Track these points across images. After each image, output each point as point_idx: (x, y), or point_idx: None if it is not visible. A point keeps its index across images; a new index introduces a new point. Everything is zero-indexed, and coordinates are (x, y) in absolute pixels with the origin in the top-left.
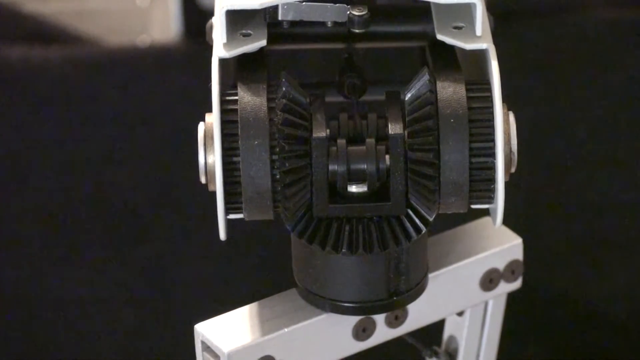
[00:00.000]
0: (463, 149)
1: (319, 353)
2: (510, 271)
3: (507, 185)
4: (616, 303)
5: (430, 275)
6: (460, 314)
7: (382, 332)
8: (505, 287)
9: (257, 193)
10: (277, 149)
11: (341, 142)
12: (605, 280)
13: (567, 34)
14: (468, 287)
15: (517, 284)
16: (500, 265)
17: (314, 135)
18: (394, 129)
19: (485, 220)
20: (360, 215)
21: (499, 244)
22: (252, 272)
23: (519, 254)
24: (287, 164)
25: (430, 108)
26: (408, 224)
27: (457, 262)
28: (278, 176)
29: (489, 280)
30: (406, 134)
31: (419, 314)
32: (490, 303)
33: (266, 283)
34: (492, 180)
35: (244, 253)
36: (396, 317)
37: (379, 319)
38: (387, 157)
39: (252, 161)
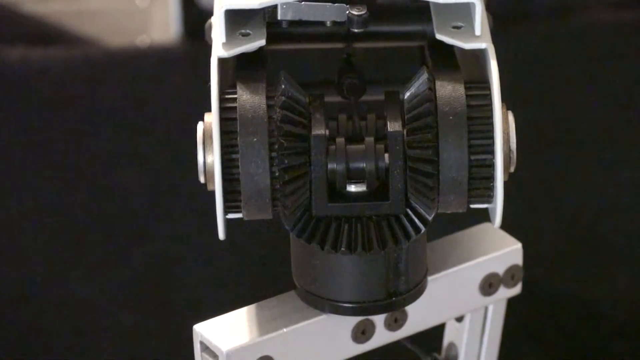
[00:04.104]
0: (462, 145)
1: (318, 354)
2: (510, 276)
3: (506, 185)
4: (616, 305)
5: (430, 278)
6: (459, 319)
7: (382, 335)
8: (504, 293)
9: (256, 190)
10: (276, 146)
11: (340, 140)
12: (605, 282)
13: (567, 36)
14: (467, 291)
15: (516, 290)
16: (500, 269)
17: (313, 132)
18: (393, 126)
19: (485, 225)
20: (359, 214)
21: (499, 248)
22: (252, 273)
23: (518, 259)
24: (286, 161)
25: (429, 105)
26: (407, 223)
27: (457, 265)
28: (277, 173)
29: (489, 285)
30: (405, 131)
31: (418, 317)
32: (490, 309)
33: (266, 283)
34: (491, 178)
35: (244, 254)
36: (395, 320)
37: (379, 321)
38: (386, 155)
39: (251, 158)
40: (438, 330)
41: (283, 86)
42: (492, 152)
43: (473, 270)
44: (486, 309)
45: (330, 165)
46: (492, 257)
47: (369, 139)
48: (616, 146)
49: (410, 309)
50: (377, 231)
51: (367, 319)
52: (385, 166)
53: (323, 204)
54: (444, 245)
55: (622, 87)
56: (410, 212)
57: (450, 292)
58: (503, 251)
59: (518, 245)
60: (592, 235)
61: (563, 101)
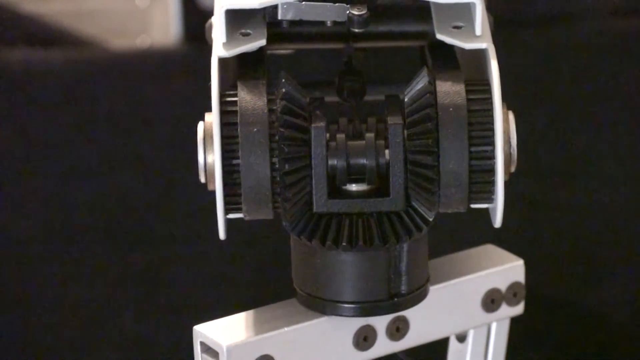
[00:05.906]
0: (462, 136)
1: (319, 357)
2: (512, 293)
3: (506, 186)
4: (616, 308)
5: (432, 288)
6: (462, 340)
7: (383, 344)
8: (507, 311)
9: (256, 181)
10: (277, 137)
11: (340, 136)
12: (606, 285)
13: (568, 43)
14: (470, 305)
15: (519, 309)
16: (502, 286)
17: (314, 124)
18: (393, 119)
19: (487, 246)
20: (360, 210)
21: (500, 264)
22: (252, 274)
23: (520, 276)
24: (286, 150)
25: (429, 97)
26: (408, 220)
27: (459, 277)
28: (277, 165)
29: (491, 301)
30: (405, 125)
31: (420, 328)
32: (493, 328)
33: (266, 285)
34: (492, 171)
35: (244, 256)
36: (397, 329)
37: (380, 328)
38: (386, 152)
39: (251, 148)
40: (440, 353)
41: (283, 80)
42: (492, 144)
43: (475, 283)
44: (489, 329)
45: (330, 162)
46: (493, 271)
47: (370, 135)
48: (616, 151)
49: (412, 318)
50: (377, 226)
51: (369, 326)
52: (385, 162)
53: (324, 200)
54: (446, 262)
55: (622, 94)
56: (410, 210)
57: (452, 305)
58: (504, 266)
59: (520, 262)
60: (591, 239)
61: (564, 108)
